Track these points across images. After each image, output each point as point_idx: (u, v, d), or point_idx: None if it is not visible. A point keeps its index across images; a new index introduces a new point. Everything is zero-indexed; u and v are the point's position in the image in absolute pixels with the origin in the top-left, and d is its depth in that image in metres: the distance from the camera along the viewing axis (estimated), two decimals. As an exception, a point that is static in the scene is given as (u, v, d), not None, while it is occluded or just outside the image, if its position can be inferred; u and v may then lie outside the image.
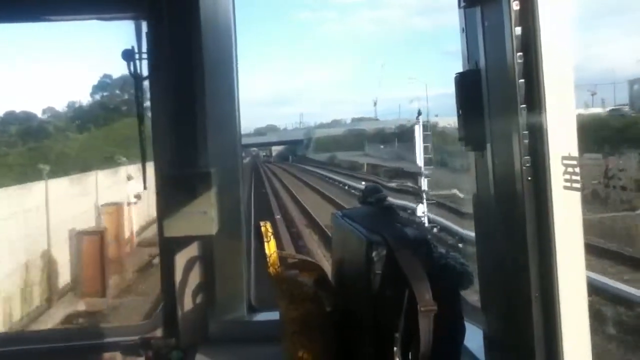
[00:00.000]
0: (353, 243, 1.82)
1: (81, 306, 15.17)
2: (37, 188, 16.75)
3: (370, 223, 1.81)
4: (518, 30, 1.44)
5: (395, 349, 1.62)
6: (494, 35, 1.56)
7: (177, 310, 2.51)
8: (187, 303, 2.51)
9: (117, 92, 44.49)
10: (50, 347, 2.66)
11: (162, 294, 2.64)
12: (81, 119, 41.13)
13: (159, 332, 2.59)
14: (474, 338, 1.86)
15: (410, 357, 1.59)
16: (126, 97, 43.80)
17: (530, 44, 1.43)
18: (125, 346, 2.57)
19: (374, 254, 1.66)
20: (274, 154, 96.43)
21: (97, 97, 45.20)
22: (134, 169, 20.71)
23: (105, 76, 44.96)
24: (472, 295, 1.89)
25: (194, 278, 2.51)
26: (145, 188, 2.59)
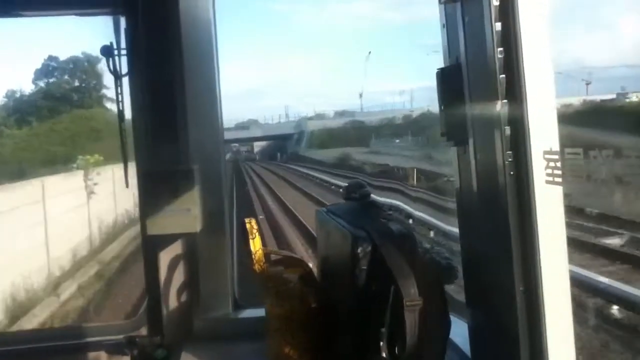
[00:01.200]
0: (338, 239, 1.82)
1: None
2: None
3: (355, 219, 1.81)
4: (498, 25, 1.45)
5: (381, 343, 1.63)
6: (475, 30, 1.57)
7: (162, 309, 2.50)
8: (172, 301, 2.50)
9: (66, 77, 37.16)
10: (34, 347, 2.64)
11: (146, 292, 2.63)
12: (21, 112, 34.44)
13: (143, 331, 2.58)
14: (459, 332, 1.88)
15: (396, 351, 1.61)
16: (77, 83, 37.35)
17: (510, 39, 1.43)
18: (109, 345, 2.55)
19: (359, 249, 1.67)
20: (256, 149, 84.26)
21: (42, 84, 37.22)
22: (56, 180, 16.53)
23: (50, 58, 37.19)
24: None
25: (178, 276, 2.50)
26: (127, 186, 2.57)
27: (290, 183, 33.71)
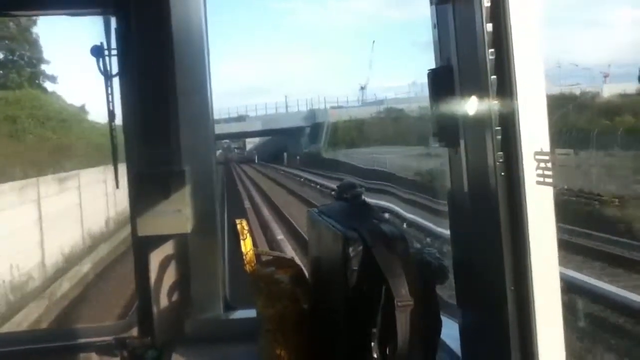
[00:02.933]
0: (329, 239, 1.82)
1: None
2: None
3: (346, 219, 1.81)
4: (489, 26, 1.45)
5: (372, 344, 1.63)
6: (466, 31, 1.57)
7: (153, 309, 2.49)
8: (163, 302, 2.49)
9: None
10: (24, 349, 2.62)
11: (136, 293, 2.62)
12: None
13: (134, 332, 2.56)
14: (450, 331, 1.89)
15: (387, 352, 1.61)
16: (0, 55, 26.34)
17: (501, 41, 1.44)
18: (100, 346, 2.54)
19: (350, 250, 1.67)
20: (249, 147, 70.25)
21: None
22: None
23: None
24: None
25: (169, 277, 2.49)
26: (117, 187, 2.56)
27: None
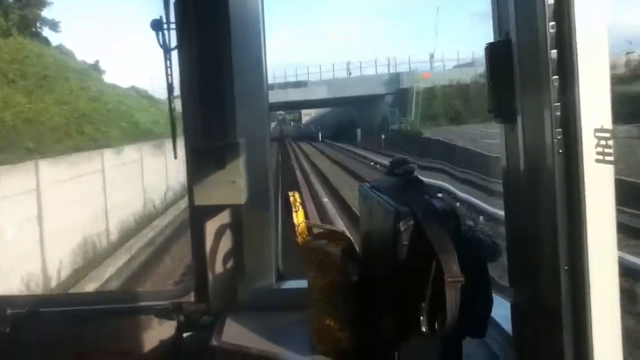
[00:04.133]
0: (380, 214, 1.83)
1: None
2: None
3: (398, 194, 1.81)
4: None
5: (421, 318, 1.64)
6: (525, 4, 1.53)
7: (208, 277, 2.57)
8: (217, 270, 2.57)
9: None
10: (87, 309, 2.75)
11: (193, 260, 2.70)
12: None
13: (191, 297, 2.66)
14: (501, 310, 1.87)
15: (436, 326, 1.61)
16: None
17: (562, 14, 1.39)
18: (159, 310, 2.65)
19: (401, 224, 1.67)
20: (304, 119, 58.45)
21: None
22: None
23: None
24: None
25: (224, 246, 2.56)
26: (175, 157, 2.63)
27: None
